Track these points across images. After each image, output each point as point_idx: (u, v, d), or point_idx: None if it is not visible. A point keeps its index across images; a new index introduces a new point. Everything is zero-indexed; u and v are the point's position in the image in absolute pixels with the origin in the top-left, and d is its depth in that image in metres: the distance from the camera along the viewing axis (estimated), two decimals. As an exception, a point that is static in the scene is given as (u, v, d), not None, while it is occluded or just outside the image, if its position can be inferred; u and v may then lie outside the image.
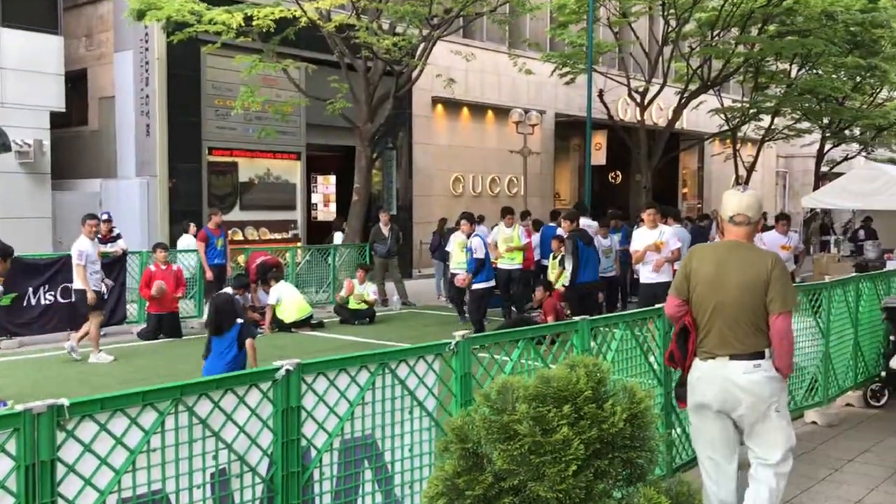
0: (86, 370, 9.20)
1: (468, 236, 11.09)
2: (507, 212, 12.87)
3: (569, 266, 10.32)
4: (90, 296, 9.72)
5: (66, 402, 2.81)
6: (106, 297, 10.68)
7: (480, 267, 11.02)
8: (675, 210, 12.87)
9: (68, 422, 2.81)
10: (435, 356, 4.21)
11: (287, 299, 12.20)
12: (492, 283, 11.22)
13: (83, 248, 9.81)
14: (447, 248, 13.68)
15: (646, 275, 9.49)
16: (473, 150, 23.13)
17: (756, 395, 4.10)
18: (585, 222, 13.19)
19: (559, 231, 13.13)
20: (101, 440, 2.92)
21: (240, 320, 7.45)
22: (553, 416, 2.81)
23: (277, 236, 18.39)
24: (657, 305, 5.69)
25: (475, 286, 10.91)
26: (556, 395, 2.86)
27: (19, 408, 2.75)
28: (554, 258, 12.31)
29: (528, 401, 2.86)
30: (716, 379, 4.16)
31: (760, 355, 4.12)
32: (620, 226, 14.47)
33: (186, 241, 14.63)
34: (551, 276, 12.22)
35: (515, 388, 2.91)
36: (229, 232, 16.95)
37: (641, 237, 9.55)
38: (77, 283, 9.82)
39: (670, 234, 9.67)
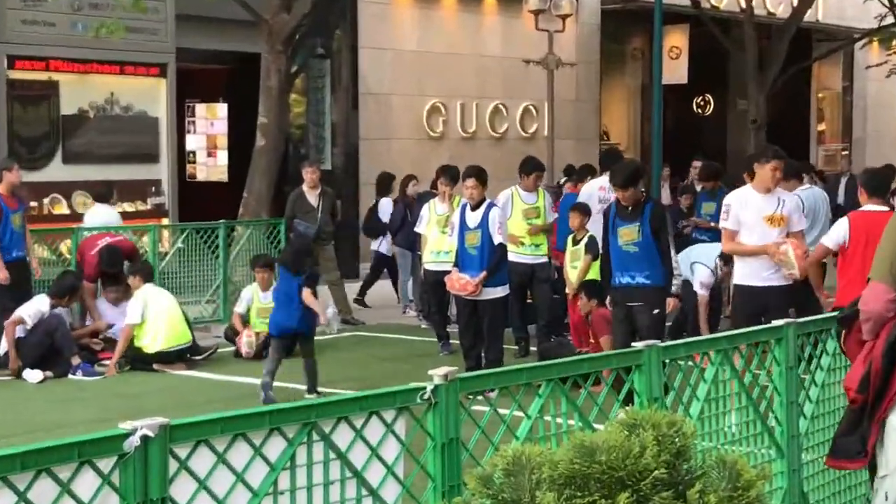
0: None
1: (475, 207, 11.03)
2: (531, 167, 12.85)
3: (675, 254, 10.19)
4: None
5: None
6: None
7: (502, 259, 11.04)
8: (798, 164, 12.91)
9: None
10: (398, 411, 4.21)
11: (155, 316, 12.12)
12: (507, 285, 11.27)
13: None
14: (417, 229, 13.69)
15: (750, 273, 9.49)
16: (462, 59, 23.10)
17: None
18: (602, 183, 13.13)
19: (584, 193, 13.16)
20: None
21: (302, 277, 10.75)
22: (600, 513, 2.80)
23: (128, 208, 18.27)
24: (777, 323, 5.72)
25: (491, 292, 10.92)
26: (605, 477, 2.86)
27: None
28: (576, 243, 12.33)
29: (557, 486, 2.85)
30: None
31: None
32: (717, 188, 14.51)
33: (102, 214, 14.85)
34: (570, 270, 12.24)
35: (536, 464, 2.90)
36: (46, 202, 16.88)
37: (744, 204, 9.50)
38: None
39: (793, 207, 9.68)
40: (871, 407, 4.52)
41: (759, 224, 9.35)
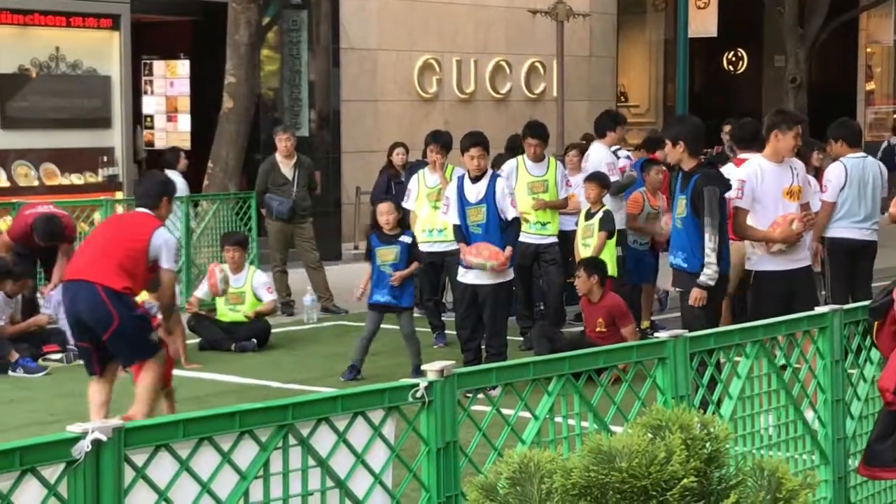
0: None
1: (476, 178, 10.95)
2: (535, 133, 12.85)
3: (709, 239, 9.20)
4: None
5: None
6: None
7: (518, 236, 11.09)
8: (851, 125, 12.88)
9: None
10: (387, 412, 4.21)
11: None
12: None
13: None
14: (405, 204, 13.67)
15: (773, 256, 9.48)
16: (460, 9, 23.06)
17: None
18: (598, 154, 13.18)
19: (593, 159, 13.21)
20: None
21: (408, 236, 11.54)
22: (620, 527, 2.81)
23: (77, 180, 18.29)
24: (820, 310, 5.71)
25: (497, 276, 10.93)
26: (626, 486, 2.85)
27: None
28: (589, 217, 12.37)
29: (570, 496, 2.84)
30: None
31: None
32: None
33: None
34: (581, 248, 12.29)
35: (546, 471, 2.90)
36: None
37: (761, 178, 9.48)
38: None
39: (804, 175, 9.74)
40: None
41: (780, 200, 9.39)
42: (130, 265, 8.76)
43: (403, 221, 11.78)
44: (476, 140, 11.12)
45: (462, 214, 10.95)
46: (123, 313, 8.64)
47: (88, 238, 10.25)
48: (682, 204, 9.36)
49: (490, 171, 11.16)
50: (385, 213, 11.36)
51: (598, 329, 11.31)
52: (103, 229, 9.69)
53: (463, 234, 10.98)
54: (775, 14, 22.28)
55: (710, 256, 9.11)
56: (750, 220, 9.36)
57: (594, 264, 11.46)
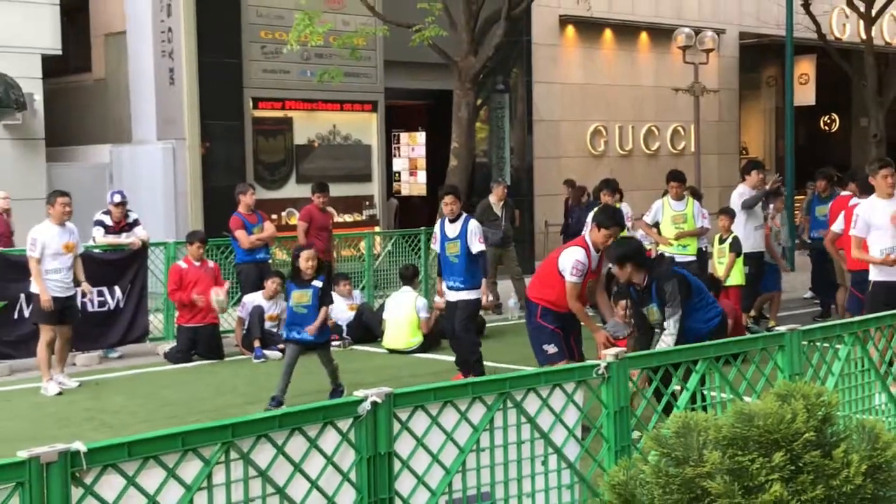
0: (96, 406, 9.62)
1: (454, 219, 10.31)
2: (676, 178, 12.66)
3: (672, 325, 7.26)
4: (43, 301, 9.87)
5: (82, 447, 2.94)
6: (78, 305, 10.68)
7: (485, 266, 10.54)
8: None
9: (86, 473, 2.95)
10: (577, 384, 4.22)
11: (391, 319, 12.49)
12: None
13: (39, 236, 9.97)
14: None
15: (888, 271, 9.01)
16: (620, 89, 22.89)
17: None
18: (740, 191, 12.64)
19: (739, 197, 12.80)
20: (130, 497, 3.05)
21: None
22: (759, 468, 2.77)
23: (348, 219, 18.73)
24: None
25: (465, 295, 10.19)
26: (762, 439, 2.81)
27: (23, 454, 2.89)
28: (721, 242, 12.10)
29: (721, 446, 2.82)
30: None
31: None
32: (828, 193, 13.95)
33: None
34: (718, 267, 12.02)
35: (702, 428, 2.88)
36: (283, 214, 17.40)
37: (872, 211, 9.06)
38: (32, 284, 10.04)
39: None
40: None
41: (889, 226, 8.93)
42: (549, 278, 8.19)
43: (323, 266, 9.79)
44: (448, 191, 10.70)
45: (443, 247, 10.38)
46: (527, 319, 8.41)
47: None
48: (653, 314, 7.49)
49: (464, 214, 10.49)
50: (306, 259, 9.45)
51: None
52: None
53: (440, 266, 10.45)
54: (860, 86, 21.51)
55: (669, 339, 7.18)
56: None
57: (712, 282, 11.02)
